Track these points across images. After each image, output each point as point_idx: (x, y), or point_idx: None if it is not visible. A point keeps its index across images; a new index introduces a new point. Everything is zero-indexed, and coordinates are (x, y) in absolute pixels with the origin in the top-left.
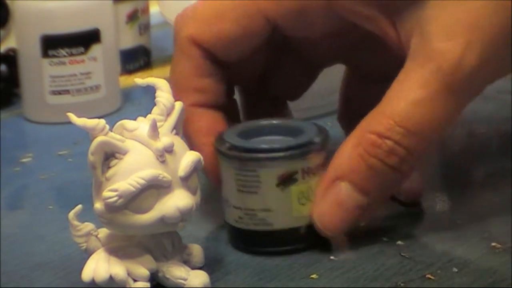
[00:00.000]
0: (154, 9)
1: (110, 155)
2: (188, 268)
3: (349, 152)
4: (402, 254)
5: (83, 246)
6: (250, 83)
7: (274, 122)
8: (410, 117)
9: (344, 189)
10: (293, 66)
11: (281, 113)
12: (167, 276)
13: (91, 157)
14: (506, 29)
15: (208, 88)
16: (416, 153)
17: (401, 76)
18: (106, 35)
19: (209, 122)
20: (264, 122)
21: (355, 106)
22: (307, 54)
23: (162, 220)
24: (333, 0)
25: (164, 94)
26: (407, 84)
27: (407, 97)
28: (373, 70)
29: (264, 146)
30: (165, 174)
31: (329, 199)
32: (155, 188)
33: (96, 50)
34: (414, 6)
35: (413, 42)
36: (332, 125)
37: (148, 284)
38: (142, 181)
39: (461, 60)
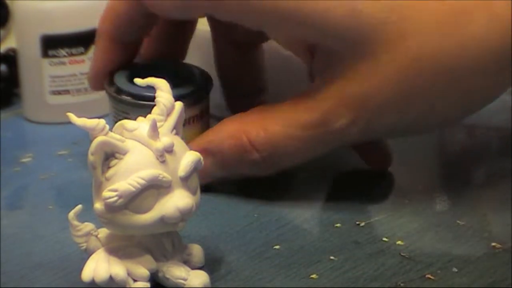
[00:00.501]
0: None
1: (110, 155)
2: (188, 268)
3: (225, 137)
4: (402, 254)
5: (83, 246)
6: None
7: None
8: (284, 140)
9: (208, 162)
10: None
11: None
12: (167, 276)
13: (91, 157)
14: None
15: (126, 32)
16: (265, 169)
17: (293, 100)
18: None
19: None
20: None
21: (231, 75)
22: None
23: (162, 220)
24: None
25: (164, 94)
26: (295, 118)
27: (286, 130)
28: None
29: (135, 91)
30: (165, 174)
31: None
32: (155, 188)
33: None
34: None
35: (317, 81)
36: None
37: (148, 284)
38: (142, 181)
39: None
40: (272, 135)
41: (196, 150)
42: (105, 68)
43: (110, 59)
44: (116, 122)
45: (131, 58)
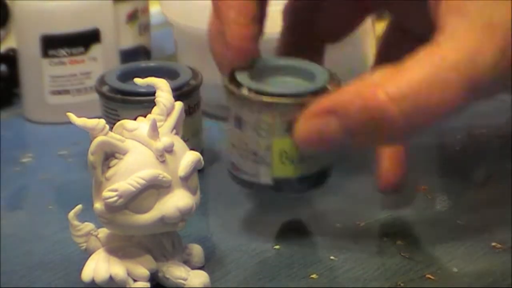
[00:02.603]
0: (154, 9)
1: (110, 155)
2: (188, 268)
3: (352, 95)
4: (402, 254)
5: (83, 246)
6: (296, 18)
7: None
8: (425, 93)
9: (332, 124)
10: (341, 3)
11: (319, 60)
12: (167, 276)
13: (91, 157)
14: None
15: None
16: (412, 129)
17: (433, 46)
18: (106, 35)
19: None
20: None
21: (388, 61)
22: None
23: (162, 220)
24: None
25: (164, 94)
26: (435, 61)
27: (427, 73)
28: (415, 25)
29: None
30: (165, 174)
31: (315, 126)
32: (155, 188)
33: (96, 50)
34: None
35: (452, 20)
36: None
37: (148, 284)
38: (142, 181)
39: (485, 60)
40: (414, 82)
41: (317, 111)
42: (247, 30)
43: (248, 9)
44: None
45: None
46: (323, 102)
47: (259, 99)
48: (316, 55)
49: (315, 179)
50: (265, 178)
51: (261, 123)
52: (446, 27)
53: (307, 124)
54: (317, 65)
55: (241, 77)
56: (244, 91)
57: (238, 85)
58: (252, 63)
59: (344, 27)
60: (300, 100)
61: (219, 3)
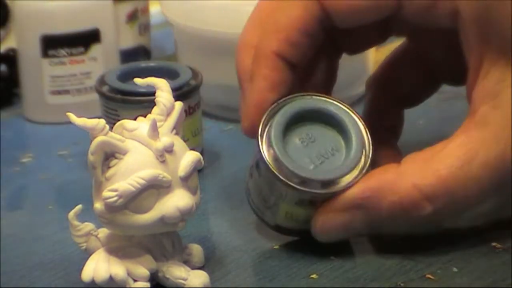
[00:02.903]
0: (154, 9)
1: (110, 155)
2: (188, 268)
3: (382, 189)
4: (402, 254)
5: (83, 246)
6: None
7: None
8: (452, 191)
9: (358, 219)
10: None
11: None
12: (167, 276)
13: (91, 157)
14: None
15: (299, 45)
16: (433, 221)
17: (464, 136)
18: (106, 35)
19: (278, 76)
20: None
21: (390, 79)
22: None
23: (162, 220)
24: (459, 10)
25: (164, 94)
26: (469, 148)
27: (459, 169)
28: (431, 54)
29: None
30: (165, 174)
31: (341, 219)
32: (155, 188)
33: (96, 50)
34: (506, 67)
35: (484, 107)
36: None
37: (148, 284)
38: (142, 181)
39: None
40: (447, 180)
41: (344, 206)
42: (272, 95)
43: (278, 82)
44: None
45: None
46: (350, 196)
47: (284, 181)
48: (334, 60)
49: None
50: (269, 220)
51: (275, 185)
52: (479, 114)
53: (331, 217)
54: (345, 111)
55: (274, 135)
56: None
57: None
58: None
59: (363, 44)
60: (314, 194)
61: (254, 70)
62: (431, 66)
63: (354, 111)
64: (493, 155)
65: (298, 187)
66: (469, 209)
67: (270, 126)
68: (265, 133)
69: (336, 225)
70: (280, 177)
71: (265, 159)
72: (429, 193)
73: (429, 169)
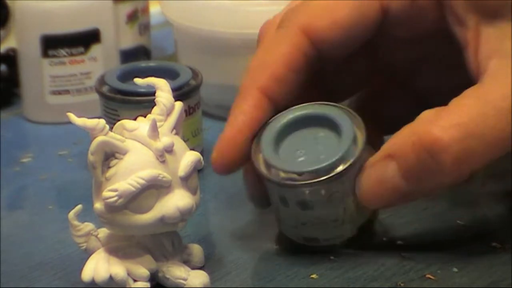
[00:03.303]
0: (154, 9)
1: (110, 155)
2: (188, 268)
3: (406, 136)
4: (402, 254)
5: (83, 246)
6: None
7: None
8: (481, 122)
9: (390, 169)
10: (362, 63)
11: None
12: (167, 276)
13: (91, 157)
14: None
15: (284, 81)
16: (472, 159)
17: (479, 86)
18: (106, 35)
19: (258, 113)
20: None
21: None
22: (386, 59)
23: (162, 220)
24: None
25: (164, 94)
26: (485, 92)
27: (484, 104)
28: (426, 91)
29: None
30: (165, 174)
31: (375, 173)
32: (155, 188)
33: (96, 50)
34: (504, 25)
35: (493, 61)
36: None
37: (148, 284)
38: (142, 181)
39: None
40: (466, 114)
41: (375, 160)
42: (249, 131)
43: (257, 119)
44: None
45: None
46: (384, 148)
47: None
48: None
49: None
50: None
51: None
52: (488, 70)
53: (367, 173)
54: (339, 111)
55: (269, 155)
56: (282, 174)
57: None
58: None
59: (353, 88)
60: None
61: (236, 102)
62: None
63: (349, 110)
64: (510, 93)
65: (288, 182)
66: (495, 145)
67: (259, 139)
68: (257, 147)
69: (372, 180)
70: (271, 177)
71: (261, 172)
72: (448, 126)
73: (447, 111)
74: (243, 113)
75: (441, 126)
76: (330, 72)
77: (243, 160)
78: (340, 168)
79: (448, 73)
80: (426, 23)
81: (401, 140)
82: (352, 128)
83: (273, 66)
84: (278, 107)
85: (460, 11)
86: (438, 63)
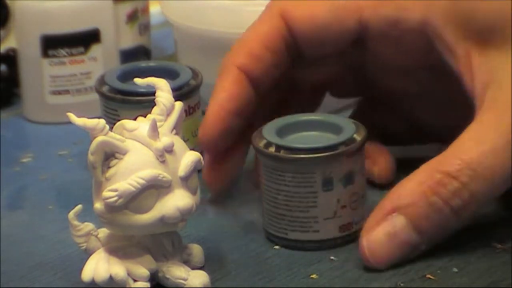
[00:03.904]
0: (154, 9)
1: (110, 155)
2: (188, 268)
3: (412, 187)
4: None
5: (83, 246)
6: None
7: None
8: (482, 162)
9: (399, 223)
10: (351, 80)
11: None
12: (167, 276)
13: (91, 157)
14: None
15: (261, 59)
16: (479, 199)
17: (477, 123)
18: (106, 35)
19: (237, 89)
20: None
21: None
22: (376, 83)
23: (162, 220)
24: (428, 18)
25: (164, 94)
26: (483, 131)
27: (483, 143)
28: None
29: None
30: (165, 174)
31: (382, 229)
32: (155, 188)
33: (96, 50)
34: (496, 53)
35: (489, 93)
36: None
37: (148, 284)
38: (142, 181)
39: None
40: (472, 156)
41: (380, 215)
42: (230, 106)
43: (237, 95)
44: None
45: (257, 108)
46: (385, 202)
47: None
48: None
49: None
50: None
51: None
52: (484, 103)
53: (373, 234)
54: (343, 118)
55: (268, 133)
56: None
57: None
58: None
59: (345, 95)
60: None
61: (217, 81)
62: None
63: (354, 121)
64: (504, 141)
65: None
66: (499, 186)
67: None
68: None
69: (380, 239)
70: (264, 149)
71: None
72: (453, 172)
73: (454, 151)
74: (224, 90)
75: (448, 172)
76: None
77: (227, 135)
78: (359, 139)
79: (442, 109)
80: (412, 51)
81: (407, 191)
82: (354, 129)
83: (251, 44)
84: (257, 86)
85: (450, 39)
86: (429, 97)
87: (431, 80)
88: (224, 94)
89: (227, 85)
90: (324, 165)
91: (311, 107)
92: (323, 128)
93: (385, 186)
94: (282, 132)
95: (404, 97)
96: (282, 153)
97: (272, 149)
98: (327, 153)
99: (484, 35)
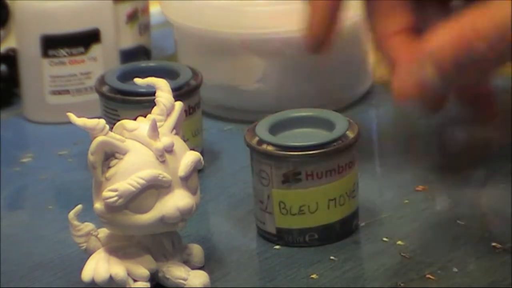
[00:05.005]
0: (154, 9)
1: (110, 155)
2: (188, 268)
3: (447, 36)
4: (402, 254)
5: (83, 246)
6: None
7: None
8: (506, 23)
9: (428, 67)
10: None
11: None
12: (167, 276)
13: (91, 157)
14: None
15: None
16: (493, 60)
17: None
18: (106, 35)
19: None
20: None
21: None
22: None
23: (162, 220)
24: None
25: (164, 94)
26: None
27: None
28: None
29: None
30: (165, 174)
31: (409, 69)
32: (155, 188)
33: (96, 50)
34: None
35: None
36: None
37: (148, 284)
38: (142, 181)
39: None
40: (498, 15)
41: (414, 58)
42: (331, 12)
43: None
44: None
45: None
46: (422, 48)
47: (261, 149)
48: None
49: (320, 233)
50: (270, 226)
51: (261, 172)
52: None
53: (400, 72)
54: (338, 115)
55: (259, 128)
56: (253, 141)
57: (254, 135)
58: (273, 117)
59: None
60: (297, 153)
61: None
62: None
63: (348, 119)
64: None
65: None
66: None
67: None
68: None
69: (405, 77)
70: (262, 148)
71: (250, 142)
72: (481, 30)
73: (481, 11)
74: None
75: (481, 25)
76: None
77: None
78: (352, 135)
79: None
80: None
81: (441, 39)
82: (347, 125)
83: None
84: None
85: None
86: None
87: None
88: (321, 3)
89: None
90: (315, 163)
91: None
92: (316, 124)
93: None
94: (275, 129)
95: None
96: (273, 150)
97: (264, 147)
98: (319, 151)
99: None
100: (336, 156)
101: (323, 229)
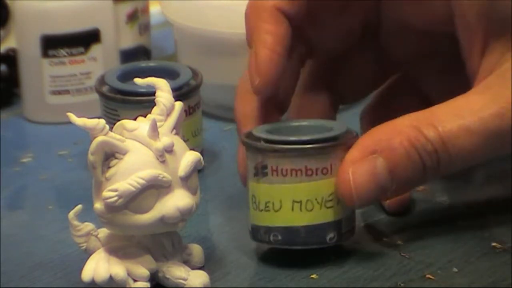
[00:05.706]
0: (154, 9)
1: (110, 155)
2: (188, 268)
3: (392, 134)
4: (402, 254)
5: (83, 246)
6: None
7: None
8: (455, 139)
9: (379, 164)
10: (370, 60)
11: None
12: (167, 276)
13: (91, 157)
14: None
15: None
16: (443, 170)
17: (469, 97)
18: (106, 35)
19: (281, 29)
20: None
21: (386, 109)
22: (392, 50)
23: (162, 220)
24: None
25: (164, 94)
26: (469, 109)
27: (466, 122)
28: (432, 88)
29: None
30: (165, 174)
31: (366, 167)
32: (155, 188)
33: (96, 50)
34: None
35: (487, 79)
36: None
37: (148, 284)
38: (142, 181)
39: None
40: (446, 130)
41: (363, 153)
42: (279, 48)
43: (284, 34)
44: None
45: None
46: (366, 142)
47: (244, 141)
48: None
49: (283, 235)
50: (248, 223)
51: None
52: (481, 84)
53: (357, 168)
54: (336, 122)
55: (257, 129)
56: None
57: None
58: (272, 125)
59: (364, 89)
60: (265, 145)
61: (256, 25)
62: (425, 93)
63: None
64: (491, 112)
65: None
66: (469, 161)
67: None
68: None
69: (363, 176)
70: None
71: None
72: (426, 133)
73: (433, 118)
74: (269, 32)
75: (425, 135)
76: (338, 79)
77: (280, 78)
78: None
79: (450, 76)
80: (435, 14)
81: (387, 136)
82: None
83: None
84: (293, 23)
85: (471, 19)
86: (442, 63)
87: (446, 46)
88: (270, 37)
89: (270, 27)
90: (280, 158)
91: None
92: (314, 132)
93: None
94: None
95: (418, 64)
96: (249, 141)
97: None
98: (285, 146)
99: (504, 22)
100: (304, 157)
101: (286, 231)
